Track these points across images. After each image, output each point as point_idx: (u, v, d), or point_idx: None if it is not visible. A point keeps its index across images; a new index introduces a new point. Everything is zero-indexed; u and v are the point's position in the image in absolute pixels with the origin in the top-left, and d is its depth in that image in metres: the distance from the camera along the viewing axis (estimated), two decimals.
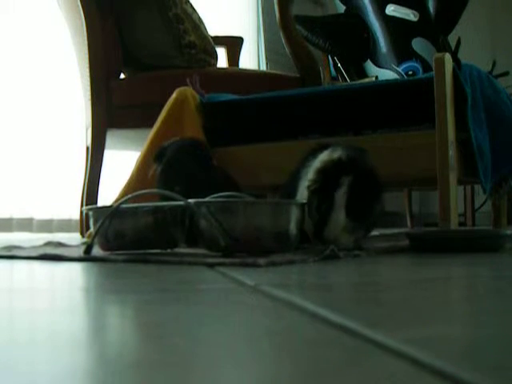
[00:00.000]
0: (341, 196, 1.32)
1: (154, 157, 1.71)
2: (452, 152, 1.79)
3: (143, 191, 1.44)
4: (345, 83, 2.98)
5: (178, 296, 0.77)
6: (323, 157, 1.37)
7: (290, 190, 1.44)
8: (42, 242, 1.77)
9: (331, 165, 1.35)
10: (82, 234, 2.55)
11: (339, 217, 1.32)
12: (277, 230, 1.28)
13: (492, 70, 2.59)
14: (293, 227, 1.28)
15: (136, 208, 1.39)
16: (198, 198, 1.31)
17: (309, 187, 1.36)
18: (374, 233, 2.21)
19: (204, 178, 1.60)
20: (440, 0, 3.07)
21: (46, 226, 3.36)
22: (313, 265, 1.13)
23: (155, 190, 1.53)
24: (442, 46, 2.83)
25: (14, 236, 3.18)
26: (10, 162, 3.26)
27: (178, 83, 2.15)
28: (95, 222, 1.40)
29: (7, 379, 0.39)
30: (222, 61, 3.06)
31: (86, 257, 1.32)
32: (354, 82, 2.85)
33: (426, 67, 2.82)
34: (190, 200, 1.30)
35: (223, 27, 3.61)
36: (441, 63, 1.81)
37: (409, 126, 1.87)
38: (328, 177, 1.34)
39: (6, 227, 3.26)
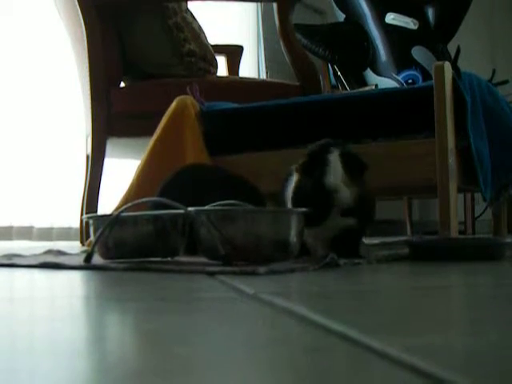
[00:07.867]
0: (335, 156, 1.33)
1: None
2: (452, 160, 1.79)
3: (144, 199, 1.44)
4: (345, 92, 2.99)
5: (178, 304, 0.77)
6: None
7: (282, 198, 1.43)
8: (42, 251, 1.77)
9: (316, 147, 1.37)
10: (82, 243, 2.55)
11: (337, 168, 1.32)
12: (277, 238, 1.27)
13: (492, 78, 2.60)
14: (293, 235, 1.28)
15: (136, 216, 1.39)
16: None
17: (296, 169, 1.36)
18: (374, 241, 2.22)
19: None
20: (440, 8, 3.08)
21: (46, 234, 3.35)
22: (313, 273, 1.13)
23: (155, 199, 1.53)
24: (441, 55, 2.84)
25: (14, 244, 3.18)
26: (10, 170, 3.26)
27: (177, 92, 2.15)
28: (95, 230, 1.40)
29: None
30: (222, 69, 3.07)
31: (86, 265, 1.32)
32: (353, 91, 2.85)
33: (426, 76, 2.83)
34: (189, 208, 1.30)
35: (223, 36, 3.62)
36: (440, 71, 1.81)
37: (409, 135, 1.87)
38: (314, 155, 1.35)
39: (6, 235, 3.25)
